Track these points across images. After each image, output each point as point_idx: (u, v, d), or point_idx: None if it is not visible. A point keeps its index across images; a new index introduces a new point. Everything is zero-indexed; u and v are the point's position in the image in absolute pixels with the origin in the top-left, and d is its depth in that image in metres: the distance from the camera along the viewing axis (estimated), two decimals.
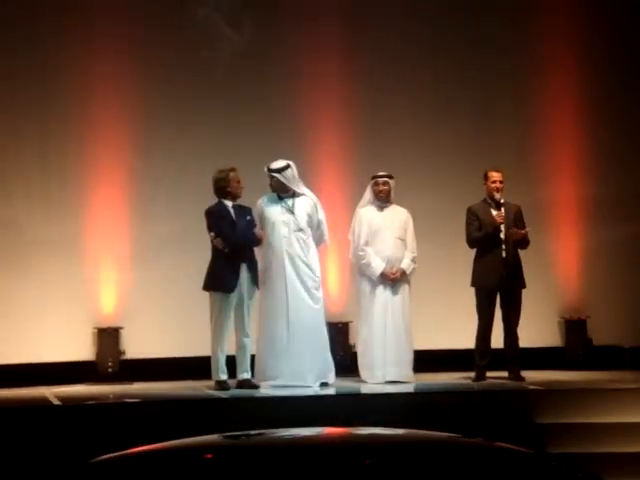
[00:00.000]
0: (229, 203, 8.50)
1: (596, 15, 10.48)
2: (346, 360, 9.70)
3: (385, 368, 8.70)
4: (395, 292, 8.80)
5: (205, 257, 8.48)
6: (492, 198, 8.84)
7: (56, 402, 7.94)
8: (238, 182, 8.48)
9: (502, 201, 8.81)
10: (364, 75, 10.22)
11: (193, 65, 10.05)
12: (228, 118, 10.04)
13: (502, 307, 8.76)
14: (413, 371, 8.77)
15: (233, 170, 8.50)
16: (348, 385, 8.72)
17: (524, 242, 8.80)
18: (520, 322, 8.77)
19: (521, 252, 8.87)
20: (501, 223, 8.68)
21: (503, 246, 8.74)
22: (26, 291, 9.62)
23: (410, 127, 10.22)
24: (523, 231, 8.71)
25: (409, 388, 8.55)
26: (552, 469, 3.89)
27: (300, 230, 8.52)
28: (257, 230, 8.49)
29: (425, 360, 9.06)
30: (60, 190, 9.79)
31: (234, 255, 8.35)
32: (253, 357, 8.55)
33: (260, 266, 8.54)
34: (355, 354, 9.45)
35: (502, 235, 8.73)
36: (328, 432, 4.46)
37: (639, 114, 10.42)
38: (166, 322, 9.70)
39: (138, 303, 9.74)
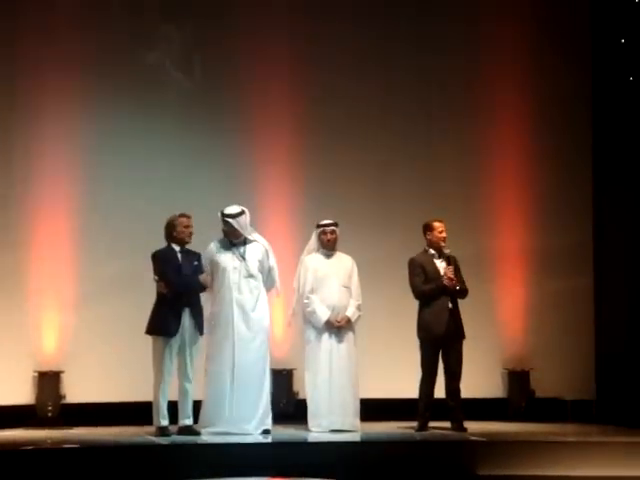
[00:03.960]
0: (177, 247, 8.48)
1: (541, 55, 10.60)
2: (290, 407, 9.68)
3: (331, 417, 8.68)
4: (340, 340, 8.81)
5: (150, 300, 8.43)
6: (437, 249, 8.89)
7: None
8: (186, 227, 8.47)
9: (449, 253, 8.85)
10: (310, 119, 10.27)
11: (144, 107, 10.04)
12: (178, 161, 10.04)
13: (444, 358, 8.78)
14: (359, 420, 8.74)
15: (183, 216, 8.49)
16: (292, 433, 8.68)
17: (462, 292, 8.84)
18: (463, 373, 8.80)
19: (465, 303, 8.91)
20: (450, 279, 8.69)
21: (449, 297, 8.78)
22: None
23: (355, 176, 10.27)
24: (454, 283, 8.72)
25: (354, 437, 8.52)
26: None
27: (251, 276, 8.52)
28: (203, 276, 8.47)
29: (370, 409, 9.04)
30: (5, 222, 9.68)
31: (177, 300, 8.32)
32: (196, 403, 8.48)
33: (208, 311, 8.51)
34: (299, 401, 9.45)
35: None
36: None
37: (585, 166, 10.54)
38: (108, 366, 9.60)
39: (80, 346, 9.64)
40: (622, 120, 10.11)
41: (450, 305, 8.75)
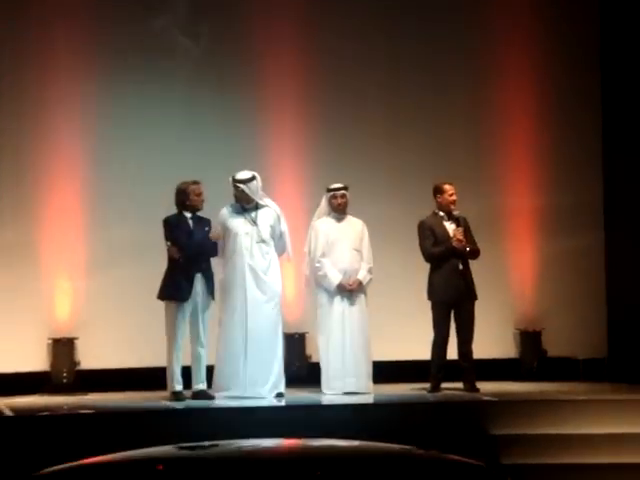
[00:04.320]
0: (188, 214, 8.50)
1: (553, 23, 10.54)
2: (302, 371, 9.71)
3: (344, 379, 8.72)
4: (352, 303, 8.83)
5: (162, 266, 8.46)
6: (447, 211, 8.89)
7: (9, 413, 7.87)
8: (198, 195, 8.48)
9: (459, 215, 8.86)
10: (319, 85, 10.24)
11: (150, 74, 10.02)
12: (185, 127, 10.02)
13: (456, 319, 8.81)
14: (372, 382, 8.79)
15: (195, 183, 8.50)
16: (305, 396, 8.73)
17: (473, 253, 8.85)
18: (475, 333, 8.83)
19: (476, 264, 8.92)
20: (460, 240, 8.70)
21: (460, 259, 8.79)
22: None
23: (364, 138, 10.25)
24: (464, 244, 8.72)
25: (367, 399, 8.56)
26: None
27: (263, 242, 8.53)
28: (213, 232, 8.45)
29: (383, 371, 9.08)
30: (14, 195, 9.71)
31: (189, 265, 8.35)
32: (210, 368, 8.53)
33: (221, 276, 8.54)
34: (311, 365, 9.48)
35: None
36: (282, 443, 4.47)
37: (593, 126, 10.50)
38: (122, 332, 9.65)
39: (93, 313, 9.68)
40: (632, 75, 10.05)
41: (460, 267, 8.77)
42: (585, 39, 10.51)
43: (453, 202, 8.86)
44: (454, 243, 8.71)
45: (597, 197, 10.46)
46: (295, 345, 9.82)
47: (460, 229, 8.76)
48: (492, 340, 9.87)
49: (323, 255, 8.84)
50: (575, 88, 10.51)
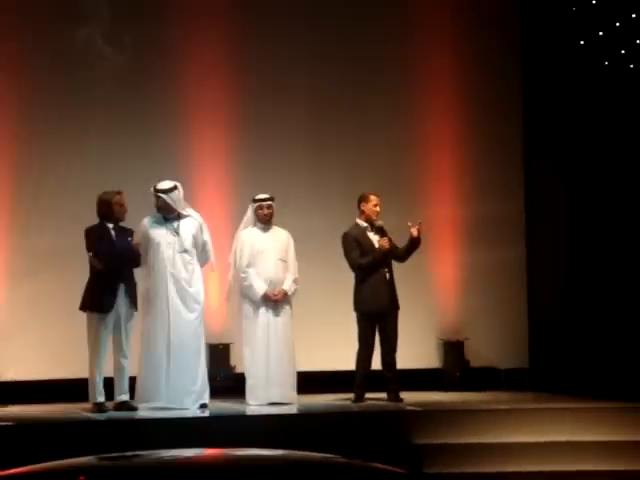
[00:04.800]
0: (110, 225, 8.45)
1: (473, 34, 10.64)
2: (227, 382, 9.68)
3: (268, 390, 8.72)
4: (277, 313, 8.84)
5: (85, 276, 8.39)
6: (370, 221, 8.94)
7: None
8: (121, 206, 8.44)
9: (380, 225, 8.91)
10: (242, 95, 10.22)
11: (75, 82, 9.93)
12: (110, 135, 9.94)
13: (381, 330, 8.86)
14: (296, 392, 8.80)
15: (118, 193, 8.46)
16: (229, 407, 8.71)
17: (401, 258, 8.89)
18: (399, 344, 8.88)
19: (399, 274, 8.98)
20: (387, 249, 8.77)
21: (386, 269, 8.85)
22: None
23: (290, 148, 10.25)
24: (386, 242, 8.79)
25: (291, 409, 8.57)
26: None
27: (185, 251, 8.51)
28: (135, 240, 8.41)
29: (307, 381, 9.09)
30: None
31: (112, 276, 8.29)
32: (132, 379, 8.47)
33: (143, 286, 8.49)
34: (236, 375, 9.46)
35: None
36: (205, 453, 4.45)
37: (516, 136, 10.62)
38: (42, 344, 9.52)
39: (13, 324, 9.54)
40: (553, 89, 10.21)
41: (388, 276, 8.83)
42: (506, 48, 10.61)
43: (376, 213, 8.93)
44: (381, 247, 8.72)
45: (519, 209, 10.58)
46: (219, 355, 9.79)
47: (385, 238, 8.83)
48: (415, 350, 9.94)
49: (249, 265, 8.84)
50: (496, 99, 10.59)
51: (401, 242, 9.02)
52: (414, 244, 8.88)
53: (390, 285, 8.85)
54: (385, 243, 8.80)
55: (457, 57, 10.60)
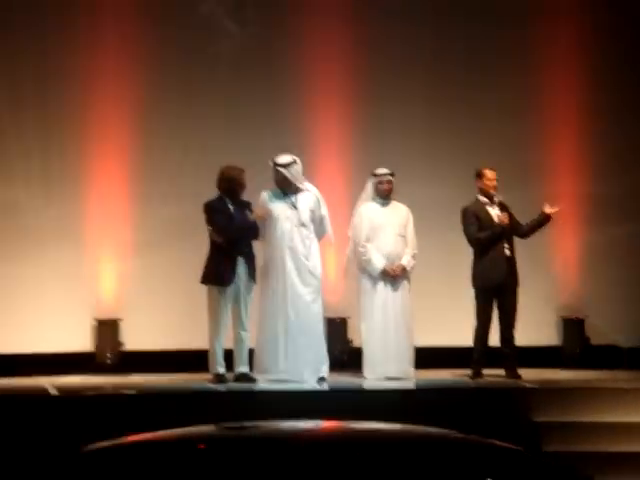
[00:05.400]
0: (229, 199, 8.52)
1: (595, 14, 10.47)
2: (344, 356, 9.73)
3: (386, 365, 8.73)
4: (395, 289, 8.83)
5: (206, 249, 8.50)
6: (489, 197, 8.86)
7: (54, 392, 7.96)
8: (243, 185, 8.50)
9: (500, 200, 8.83)
10: (364, 71, 10.23)
11: (196, 56, 10.06)
12: (230, 109, 10.06)
13: (499, 306, 8.78)
14: (414, 367, 8.79)
15: (242, 172, 8.51)
16: (347, 380, 8.75)
17: (525, 234, 8.79)
18: (518, 320, 8.80)
19: (520, 250, 8.88)
20: (507, 224, 8.69)
21: (506, 244, 8.76)
22: (25, 277, 9.64)
23: (408, 123, 10.24)
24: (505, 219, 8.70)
25: (409, 385, 8.57)
26: (543, 466, 3.92)
27: (303, 225, 8.52)
28: (255, 211, 8.46)
29: (425, 357, 9.07)
30: (61, 173, 9.80)
31: (231, 249, 8.38)
32: (252, 351, 8.57)
33: (261, 260, 8.56)
34: (353, 349, 9.49)
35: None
36: (323, 425, 4.49)
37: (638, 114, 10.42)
38: (165, 314, 9.72)
39: (137, 294, 9.75)
40: None
41: (507, 253, 8.74)
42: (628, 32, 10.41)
43: (494, 187, 8.83)
44: (501, 222, 8.64)
45: None
46: (337, 329, 9.84)
47: (505, 214, 8.74)
48: (535, 327, 9.83)
49: (367, 240, 8.84)
50: (617, 78, 10.42)
51: (522, 218, 8.92)
52: (543, 221, 8.78)
53: (510, 261, 8.75)
54: (505, 218, 8.71)
55: (580, 37, 10.42)
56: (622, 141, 10.42)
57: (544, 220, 8.82)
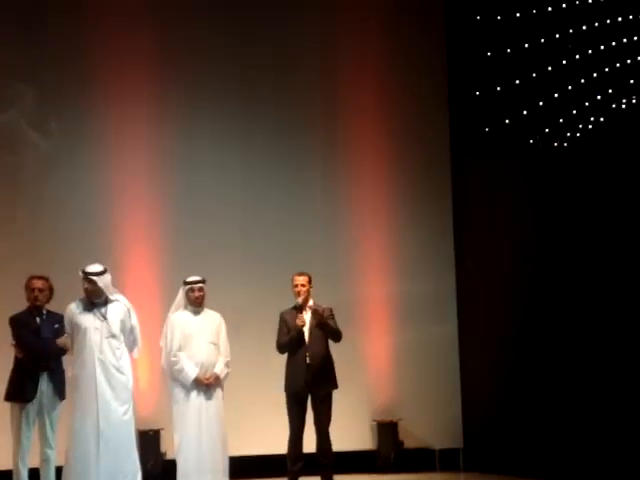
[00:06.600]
0: (37, 311, 8.29)
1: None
2: (157, 468, 9.54)
3: (200, 475, 8.59)
4: (209, 397, 8.72)
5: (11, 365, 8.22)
6: (303, 303, 8.85)
7: None
8: (42, 291, 8.26)
9: (303, 304, 8.74)
10: (172, 176, 10.24)
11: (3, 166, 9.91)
12: (32, 220, 9.86)
13: (313, 410, 8.71)
14: (229, 478, 8.65)
15: (39, 278, 8.30)
16: None
17: (334, 335, 8.75)
18: (333, 425, 8.74)
19: (335, 353, 8.85)
20: (302, 326, 8.64)
21: (307, 350, 8.69)
22: None
23: (220, 226, 10.28)
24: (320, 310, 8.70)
25: None
26: None
27: (112, 336, 8.33)
28: (62, 339, 8.25)
29: (240, 466, 8.96)
30: None
31: (35, 364, 8.14)
32: (59, 469, 8.25)
33: (71, 373, 8.31)
34: (167, 461, 9.31)
35: (306, 338, 8.67)
36: None
37: (443, 217, 10.72)
38: None
39: None
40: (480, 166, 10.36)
41: (308, 360, 8.61)
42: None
43: (297, 293, 8.74)
44: (296, 325, 8.61)
45: (450, 287, 10.64)
46: (149, 442, 9.64)
47: (303, 318, 8.62)
48: (350, 432, 9.87)
49: (179, 349, 8.73)
50: (426, 175, 10.74)
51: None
52: (319, 320, 8.72)
53: (311, 366, 8.60)
54: (300, 321, 8.66)
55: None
56: (428, 243, 10.69)
57: (319, 318, 8.76)
